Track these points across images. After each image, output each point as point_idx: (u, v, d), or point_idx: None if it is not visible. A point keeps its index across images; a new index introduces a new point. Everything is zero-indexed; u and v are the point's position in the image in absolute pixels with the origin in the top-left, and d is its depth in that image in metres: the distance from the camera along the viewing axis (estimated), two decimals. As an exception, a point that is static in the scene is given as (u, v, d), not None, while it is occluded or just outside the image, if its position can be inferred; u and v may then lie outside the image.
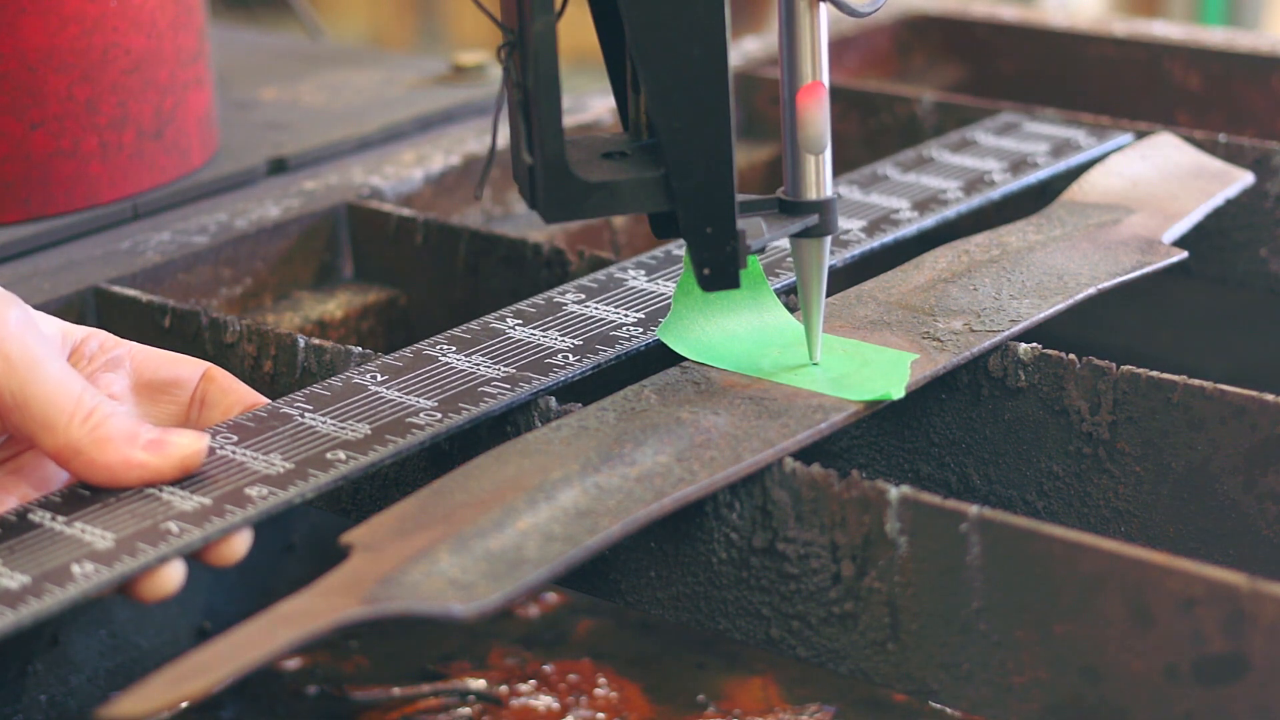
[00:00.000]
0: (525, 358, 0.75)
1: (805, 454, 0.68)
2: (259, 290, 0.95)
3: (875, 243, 0.86)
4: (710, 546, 0.67)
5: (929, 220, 0.89)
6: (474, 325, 0.78)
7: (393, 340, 0.96)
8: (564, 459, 0.67)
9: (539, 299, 0.80)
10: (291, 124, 1.12)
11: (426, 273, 0.95)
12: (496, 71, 1.20)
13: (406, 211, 0.96)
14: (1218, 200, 0.92)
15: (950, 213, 0.90)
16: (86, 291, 0.88)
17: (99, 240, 0.95)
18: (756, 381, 0.73)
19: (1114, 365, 0.74)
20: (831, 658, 0.66)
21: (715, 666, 0.91)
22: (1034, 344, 0.76)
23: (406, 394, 0.72)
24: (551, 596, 0.97)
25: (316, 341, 0.79)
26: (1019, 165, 0.95)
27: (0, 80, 0.93)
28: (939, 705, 0.64)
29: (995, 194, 0.92)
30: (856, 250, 0.85)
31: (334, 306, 0.95)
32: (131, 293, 0.87)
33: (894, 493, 0.64)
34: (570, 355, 0.75)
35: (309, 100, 1.17)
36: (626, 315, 0.78)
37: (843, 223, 0.87)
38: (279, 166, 1.06)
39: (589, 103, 1.14)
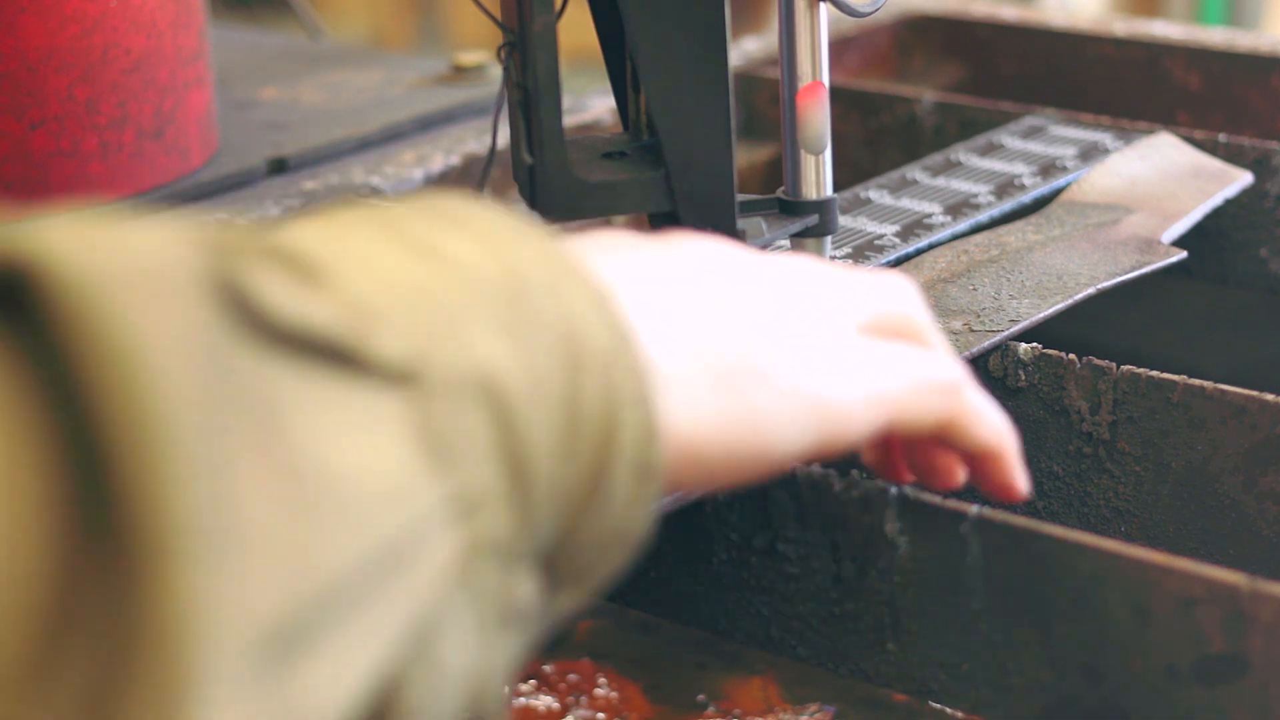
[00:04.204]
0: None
1: (805, 454, 0.68)
2: (259, 290, 0.95)
3: (910, 247, 0.85)
4: (710, 546, 0.67)
5: (962, 224, 0.88)
6: None
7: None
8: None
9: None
10: (291, 124, 1.12)
11: (426, 273, 0.94)
12: (496, 71, 1.20)
13: (406, 211, 0.96)
14: (1217, 200, 0.92)
15: (983, 216, 0.89)
16: (86, 291, 0.88)
17: (99, 240, 0.95)
18: (756, 381, 0.73)
19: (1114, 365, 0.74)
20: (831, 658, 0.66)
21: (715, 666, 0.91)
22: (1034, 344, 0.76)
23: None
24: (551, 596, 0.97)
25: (316, 341, 0.79)
26: (1048, 168, 0.95)
27: (0, 80, 0.93)
28: (939, 705, 0.64)
29: (1026, 197, 0.91)
30: (892, 255, 0.84)
31: (334, 306, 0.95)
32: (131, 293, 0.87)
33: (894, 493, 0.64)
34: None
35: (309, 100, 1.17)
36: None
37: (876, 228, 0.87)
38: (279, 166, 1.06)
39: (589, 103, 1.13)
